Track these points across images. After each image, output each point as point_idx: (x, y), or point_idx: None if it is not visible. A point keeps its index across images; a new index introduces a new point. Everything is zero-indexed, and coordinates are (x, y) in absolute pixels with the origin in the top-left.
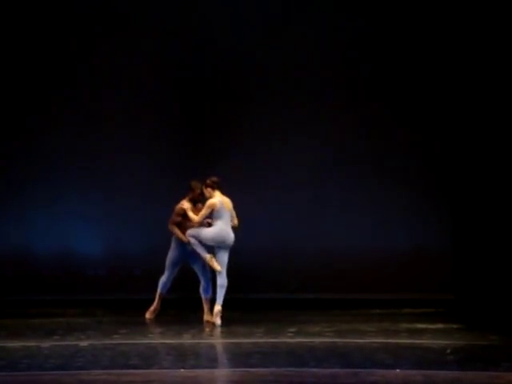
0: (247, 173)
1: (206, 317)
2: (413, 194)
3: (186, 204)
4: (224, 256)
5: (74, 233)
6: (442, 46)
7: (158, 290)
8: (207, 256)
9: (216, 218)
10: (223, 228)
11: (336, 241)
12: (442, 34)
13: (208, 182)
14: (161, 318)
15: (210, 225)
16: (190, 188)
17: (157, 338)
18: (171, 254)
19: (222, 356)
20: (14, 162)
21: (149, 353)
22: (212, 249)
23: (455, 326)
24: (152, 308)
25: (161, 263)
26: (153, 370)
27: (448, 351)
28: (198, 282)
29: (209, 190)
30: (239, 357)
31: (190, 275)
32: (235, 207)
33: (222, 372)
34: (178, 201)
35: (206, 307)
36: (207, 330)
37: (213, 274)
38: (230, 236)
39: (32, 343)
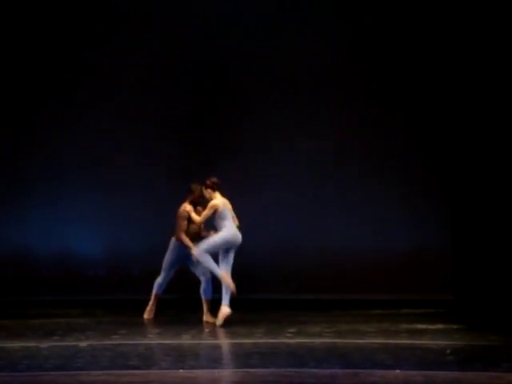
0: (247, 173)
1: (206, 317)
2: (413, 194)
3: (188, 207)
4: (231, 256)
5: (73, 233)
6: (441, 46)
7: (154, 291)
8: (221, 274)
9: (222, 219)
10: (233, 227)
11: (336, 241)
12: (441, 34)
13: (208, 182)
14: (160, 318)
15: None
16: (190, 190)
17: (156, 339)
18: (169, 256)
19: (221, 356)
20: (14, 162)
21: (148, 353)
22: (216, 255)
23: (455, 327)
24: (148, 308)
25: (161, 264)
26: (152, 370)
27: (448, 352)
28: (198, 283)
29: (209, 191)
30: (239, 357)
31: (189, 275)
32: (235, 207)
33: (222, 372)
34: (179, 205)
35: (205, 308)
36: (207, 330)
37: (213, 274)
38: (239, 235)
39: (32, 344)
